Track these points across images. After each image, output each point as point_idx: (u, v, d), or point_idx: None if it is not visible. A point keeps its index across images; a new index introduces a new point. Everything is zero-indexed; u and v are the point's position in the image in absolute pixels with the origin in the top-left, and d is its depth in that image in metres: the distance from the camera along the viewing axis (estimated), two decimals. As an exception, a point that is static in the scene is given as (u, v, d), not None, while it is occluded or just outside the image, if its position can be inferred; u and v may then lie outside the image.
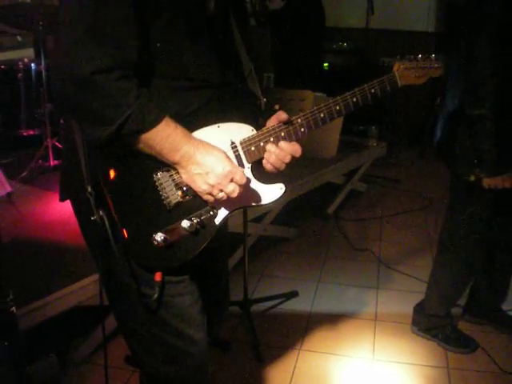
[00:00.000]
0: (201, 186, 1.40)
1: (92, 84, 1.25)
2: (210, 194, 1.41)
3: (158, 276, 1.49)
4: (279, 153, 1.49)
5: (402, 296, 3.35)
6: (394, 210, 4.63)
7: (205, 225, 1.47)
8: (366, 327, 3.05)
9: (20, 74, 4.04)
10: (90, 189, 1.40)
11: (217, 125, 1.47)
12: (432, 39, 5.96)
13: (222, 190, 1.40)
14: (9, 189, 2.80)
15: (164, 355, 1.63)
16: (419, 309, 2.96)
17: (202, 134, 1.44)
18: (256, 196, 1.52)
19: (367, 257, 3.85)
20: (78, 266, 2.64)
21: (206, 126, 1.46)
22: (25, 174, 3.82)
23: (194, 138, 1.40)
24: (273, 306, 3.23)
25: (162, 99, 1.40)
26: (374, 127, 4.74)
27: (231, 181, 1.39)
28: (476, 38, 2.19)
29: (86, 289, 2.55)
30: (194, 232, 1.45)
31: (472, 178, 2.34)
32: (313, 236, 4.18)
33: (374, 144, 4.67)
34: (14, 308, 1.97)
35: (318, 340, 2.93)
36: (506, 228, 2.69)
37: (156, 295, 1.49)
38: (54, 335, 2.65)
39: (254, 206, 1.55)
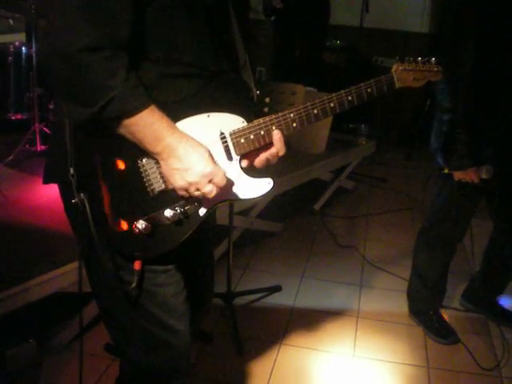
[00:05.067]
0: (177, 181, 1.37)
1: (77, 62, 1.21)
2: (186, 190, 1.39)
3: (137, 264, 1.48)
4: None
5: (385, 294, 3.37)
6: (381, 209, 4.65)
7: (188, 215, 1.45)
8: (347, 324, 3.06)
9: (10, 58, 3.99)
10: (72, 170, 1.38)
11: (207, 114, 1.44)
12: (426, 40, 5.97)
13: (198, 189, 1.37)
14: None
15: (145, 344, 1.62)
16: (407, 292, 3.12)
17: (191, 122, 1.42)
18: (243, 190, 1.51)
19: (352, 254, 3.86)
20: (62, 252, 2.62)
21: (196, 114, 1.43)
22: (11, 158, 3.78)
23: (179, 131, 1.37)
24: (256, 300, 3.23)
25: (152, 85, 1.38)
26: (363, 125, 4.76)
27: (210, 181, 1.37)
28: (456, 36, 2.34)
29: (68, 275, 2.52)
30: (176, 222, 1.43)
31: (446, 171, 2.59)
32: (298, 231, 4.18)
33: (363, 142, 4.68)
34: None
35: (300, 335, 2.93)
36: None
37: (134, 284, 1.47)
38: (34, 321, 2.63)
39: (240, 200, 1.54)
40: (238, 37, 1.61)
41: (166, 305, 1.58)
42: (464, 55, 2.36)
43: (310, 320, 3.06)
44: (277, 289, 3.33)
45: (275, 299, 3.26)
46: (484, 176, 2.49)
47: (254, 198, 1.53)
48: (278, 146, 1.50)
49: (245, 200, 1.55)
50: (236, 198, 1.53)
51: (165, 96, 1.40)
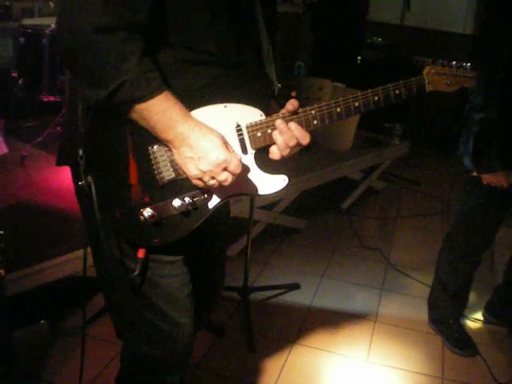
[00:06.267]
0: (191, 170, 1.33)
1: (92, 42, 1.18)
2: (201, 179, 1.34)
3: (141, 253, 1.44)
4: (286, 132, 1.40)
5: (406, 300, 3.28)
6: (410, 212, 4.54)
7: (197, 207, 1.41)
8: (364, 327, 2.98)
9: (45, 40, 4.02)
10: (81, 152, 1.35)
11: (224, 104, 1.39)
12: (469, 42, 5.80)
13: (213, 178, 1.33)
14: (5, 150, 2.79)
15: (146, 335, 1.59)
16: (428, 299, 3.04)
17: (207, 112, 1.37)
18: (256, 185, 1.45)
19: (376, 256, 3.77)
20: (78, 236, 2.63)
21: (213, 103, 1.38)
22: (40, 139, 3.82)
23: (192, 119, 1.32)
24: (272, 296, 3.18)
25: (169, 70, 1.33)
26: (398, 125, 4.63)
27: (225, 169, 1.32)
28: (496, 42, 2.28)
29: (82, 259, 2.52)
30: (184, 212, 1.40)
31: (474, 174, 2.52)
32: (323, 230, 4.10)
33: (397, 142, 4.57)
34: (1, 271, 1.95)
35: (314, 335, 2.87)
36: None
37: (137, 272, 1.44)
38: (47, 302, 2.64)
39: (252, 195, 1.49)
40: (263, 27, 1.53)
41: (170, 296, 1.55)
42: (502, 51, 2.27)
43: (325, 321, 3.00)
44: (295, 287, 3.28)
45: (292, 297, 3.20)
46: None
47: (267, 195, 1.48)
48: (298, 134, 1.41)
49: (257, 196, 1.50)
50: (248, 193, 1.48)
51: (182, 83, 1.36)
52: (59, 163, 1.53)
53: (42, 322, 2.55)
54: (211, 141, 1.31)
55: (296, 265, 3.55)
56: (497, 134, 2.37)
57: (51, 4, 5.03)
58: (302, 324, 2.96)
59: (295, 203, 3.73)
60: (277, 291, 3.21)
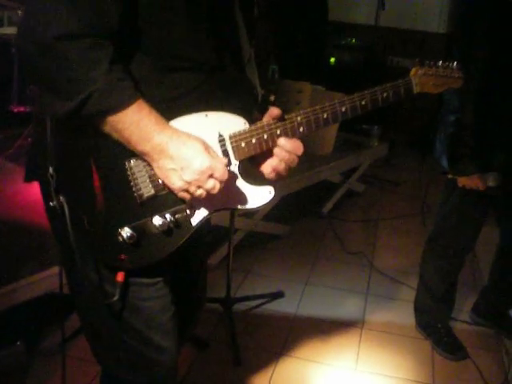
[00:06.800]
0: (175, 182, 1.23)
1: (54, 51, 1.09)
2: (187, 191, 1.25)
3: (119, 276, 1.34)
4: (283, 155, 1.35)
5: (393, 304, 3.23)
6: (392, 214, 4.49)
7: (179, 224, 1.31)
8: (351, 335, 2.92)
9: (14, 49, 3.89)
10: (51, 170, 1.26)
11: (204, 113, 1.30)
12: (443, 41, 5.80)
13: (200, 187, 1.24)
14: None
15: (128, 361, 1.50)
16: (414, 303, 2.99)
17: (186, 121, 1.28)
18: (241, 198, 1.37)
19: (359, 260, 3.72)
20: (53, 251, 2.52)
21: (192, 113, 1.29)
22: (11, 151, 3.69)
23: (169, 127, 1.23)
24: (256, 306, 3.10)
25: (144, 78, 1.24)
26: (376, 127, 4.59)
27: (211, 176, 1.23)
28: (468, 38, 2.26)
29: (57, 276, 2.42)
30: (165, 231, 1.30)
31: (450, 176, 2.49)
32: (305, 235, 4.03)
33: (376, 144, 4.53)
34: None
35: (301, 345, 2.80)
36: None
37: (116, 297, 1.34)
38: (22, 323, 2.53)
39: (237, 209, 1.40)
40: (243, 30, 1.44)
41: (152, 321, 1.45)
42: (476, 53, 2.25)
43: (312, 329, 2.93)
44: (279, 295, 3.20)
45: (277, 306, 3.13)
46: (491, 184, 2.35)
47: (252, 209, 1.40)
48: (291, 146, 1.36)
49: (243, 210, 1.41)
50: (233, 207, 1.39)
51: (158, 92, 1.27)
52: (27, 179, 1.43)
53: (18, 343, 2.45)
54: (192, 148, 1.22)
55: (279, 272, 3.48)
56: (472, 136, 2.33)
57: (19, 13, 4.90)
58: (288, 334, 2.88)
59: (275, 209, 3.66)
60: (261, 301, 3.13)
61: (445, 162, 2.48)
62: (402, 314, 3.07)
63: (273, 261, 3.62)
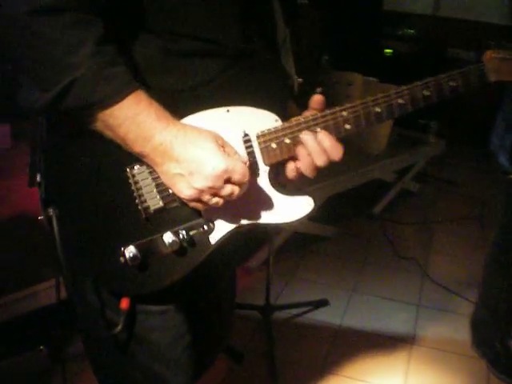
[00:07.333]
0: (183, 191, 1.02)
1: (27, 28, 0.89)
2: (199, 200, 1.04)
3: (124, 302, 1.15)
4: (314, 146, 1.10)
5: (447, 318, 2.97)
6: (448, 216, 4.19)
7: (195, 242, 1.11)
8: (400, 351, 2.69)
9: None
10: (39, 177, 1.08)
11: (226, 108, 1.09)
12: (505, 33, 5.44)
13: (215, 195, 1.03)
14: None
15: None
16: (471, 318, 2.72)
17: (203, 119, 1.07)
18: (273, 211, 1.14)
19: (411, 267, 3.45)
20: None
21: (211, 107, 1.08)
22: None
23: (175, 123, 1.02)
24: (298, 315, 2.90)
25: (151, 65, 1.04)
26: (433, 122, 4.32)
27: (228, 181, 1.01)
28: None
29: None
30: (177, 251, 1.10)
31: (511, 175, 2.29)
32: (353, 237, 3.79)
33: (432, 141, 4.26)
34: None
35: (344, 361, 2.59)
36: None
37: (120, 327, 1.15)
38: (46, 327, 2.40)
39: (268, 225, 1.17)
40: (278, 7, 1.21)
41: (162, 354, 1.25)
42: None
43: (357, 343, 2.71)
44: (323, 303, 2.99)
45: (320, 315, 2.92)
46: None
47: (288, 223, 1.16)
48: (329, 148, 1.11)
49: (277, 225, 1.18)
50: (263, 223, 1.15)
51: (168, 81, 1.07)
52: (30, 185, 1.25)
53: (41, 347, 2.37)
54: (203, 147, 1.01)
55: (323, 278, 3.26)
56: None
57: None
58: (330, 347, 2.67)
59: (322, 209, 3.43)
60: (303, 309, 2.93)
61: (504, 158, 2.24)
62: (457, 330, 2.82)
63: (317, 265, 3.41)
